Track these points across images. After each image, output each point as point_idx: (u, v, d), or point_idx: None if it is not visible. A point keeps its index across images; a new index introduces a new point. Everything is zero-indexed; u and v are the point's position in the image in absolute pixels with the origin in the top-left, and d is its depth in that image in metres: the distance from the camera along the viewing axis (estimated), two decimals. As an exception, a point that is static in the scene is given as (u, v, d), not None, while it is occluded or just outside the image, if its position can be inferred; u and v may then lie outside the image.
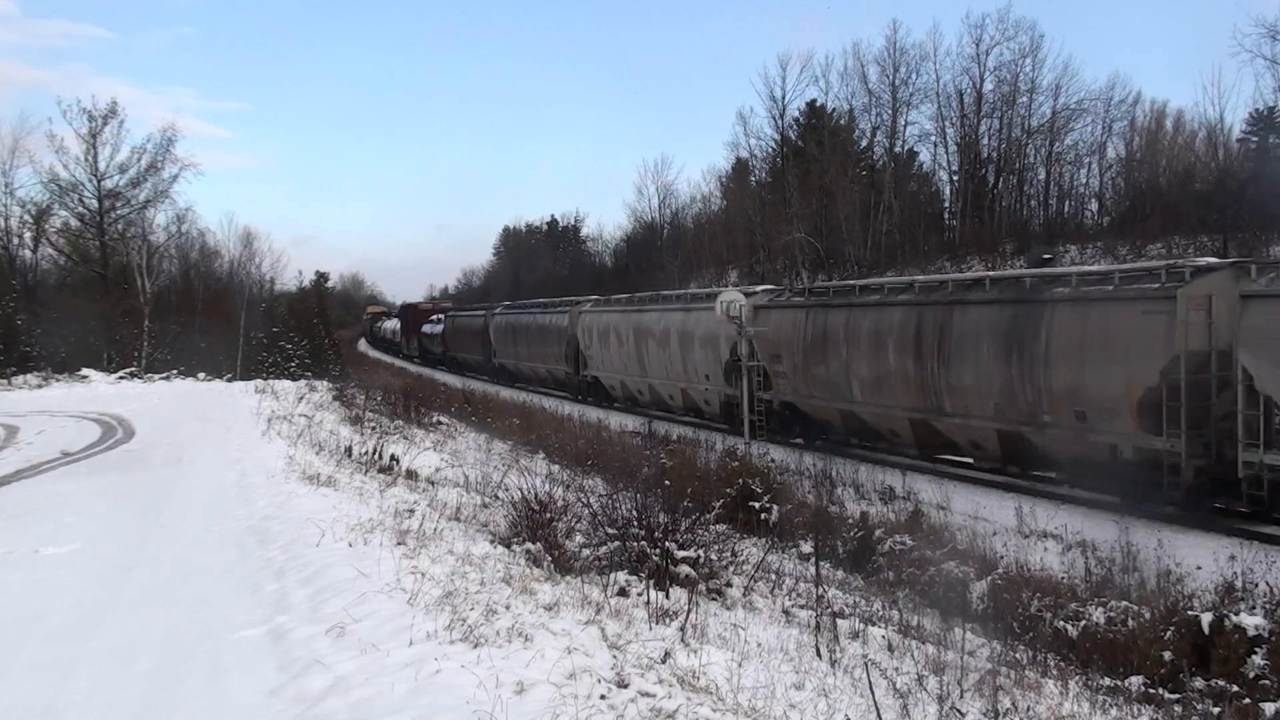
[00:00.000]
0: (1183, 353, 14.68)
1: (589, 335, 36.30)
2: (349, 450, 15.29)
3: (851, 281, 28.97)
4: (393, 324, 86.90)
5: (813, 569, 10.50)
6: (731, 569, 9.60)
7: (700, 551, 9.06)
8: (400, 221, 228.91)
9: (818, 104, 62.93)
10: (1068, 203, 56.21)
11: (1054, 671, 8.34)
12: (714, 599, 8.57)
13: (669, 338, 29.97)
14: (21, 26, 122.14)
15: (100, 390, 32.83)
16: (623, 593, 7.72)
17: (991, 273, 21.16)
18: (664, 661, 5.71)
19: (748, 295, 24.83)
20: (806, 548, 12.56)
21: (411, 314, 76.10)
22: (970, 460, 19.93)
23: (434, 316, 67.89)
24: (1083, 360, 16.32)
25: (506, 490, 11.99)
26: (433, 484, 13.35)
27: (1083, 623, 9.53)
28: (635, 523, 9.12)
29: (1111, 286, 16.37)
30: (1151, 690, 8.18)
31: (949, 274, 30.33)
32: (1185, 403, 14.66)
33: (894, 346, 20.58)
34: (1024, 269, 21.89)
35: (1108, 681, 8.32)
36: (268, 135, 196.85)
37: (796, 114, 64.30)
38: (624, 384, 34.18)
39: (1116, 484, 15.96)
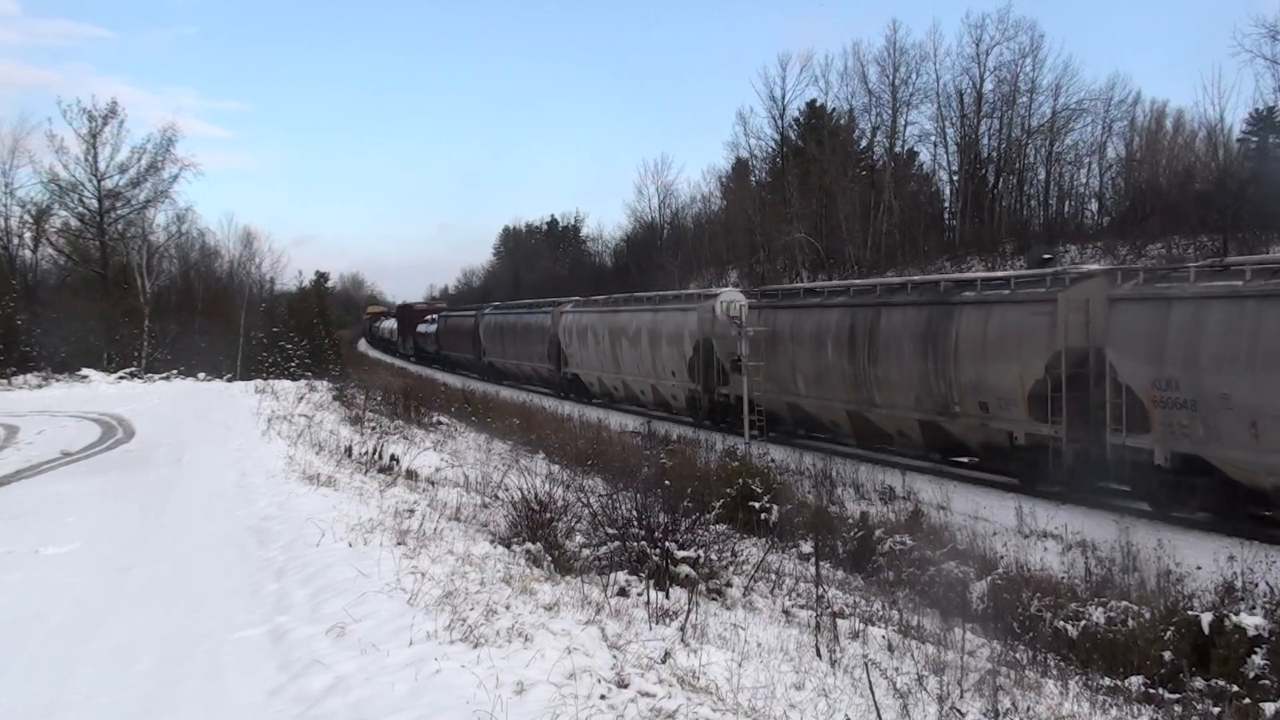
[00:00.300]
0: (1063, 349, 16.75)
1: (569, 334, 39.16)
2: (349, 450, 15.29)
3: (797, 285, 34.68)
4: (390, 324, 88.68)
5: (813, 569, 10.50)
6: (731, 569, 9.61)
7: (700, 551, 9.06)
8: (401, 221, 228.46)
9: (818, 104, 62.95)
10: (1068, 203, 56.22)
11: (1054, 671, 8.34)
12: (714, 599, 8.57)
13: (640, 337, 32.74)
14: (23, 26, 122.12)
15: (100, 390, 32.82)
16: (623, 593, 7.72)
17: (915, 278, 25.14)
18: (664, 661, 5.71)
19: (709, 298, 27.60)
20: (806, 548, 12.56)
21: (407, 314, 77.79)
22: (965, 459, 20.62)
23: (429, 316, 69.62)
24: (985, 357, 18.60)
25: (506, 490, 11.99)
26: (433, 484, 13.35)
27: (1083, 623, 9.53)
28: (635, 523, 9.13)
29: (1008, 290, 18.82)
30: (1151, 690, 8.18)
31: (878, 279, 33.88)
32: (1065, 393, 16.78)
33: (832, 345, 23.04)
34: (940, 276, 25.22)
35: (1108, 681, 8.33)
36: (269, 135, 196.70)
37: (796, 114, 64.36)
38: (600, 380, 36.99)
39: (1015, 466, 18.37)
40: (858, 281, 29.56)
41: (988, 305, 18.86)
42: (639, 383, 33.42)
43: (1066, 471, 16.86)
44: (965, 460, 20.61)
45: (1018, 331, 17.81)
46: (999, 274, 22.05)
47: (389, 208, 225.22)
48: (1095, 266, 20.92)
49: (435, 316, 67.46)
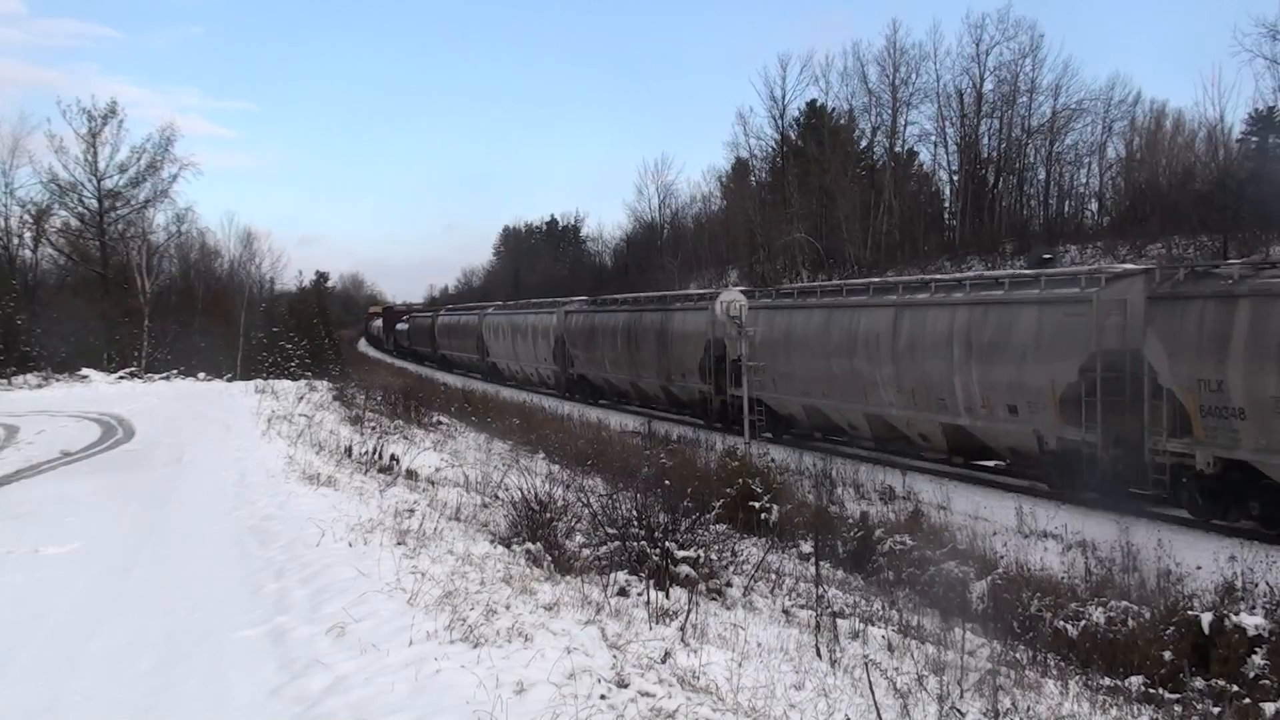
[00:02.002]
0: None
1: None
2: (349, 450, 15.29)
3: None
4: (379, 323, 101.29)
5: (813, 569, 10.50)
6: (731, 569, 9.61)
7: (700, 551, 9.05)
8: (407, 221, 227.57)
9: (818, 104, 62.95)
10: (1068, 203, 56.25)
11: (1054, 671, 8.35)
12: (714, 599, 8.57)
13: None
14: (29, 26, 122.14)
15: (100, 390, 32.81)
16: (623, 593, 7.72)
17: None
18: (664, 661, 5.71)
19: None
20: (806, 548, 12.56)
21: (389, 315, 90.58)
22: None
23: (405, 317, 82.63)
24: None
25: (506, 490, 11.98)
26: (433, 484, 13.35)
27: (1083, 623, 9.53)
28: (635, 523, 9.12)
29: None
30: (1151, 690, 8.18)
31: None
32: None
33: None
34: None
35: (1108, 681, 8.33)
36: (274, 135, 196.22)
37: (796, 114, 64.36)
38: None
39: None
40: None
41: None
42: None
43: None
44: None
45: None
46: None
47: (395, 208, 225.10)
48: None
49: (408, 317, 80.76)
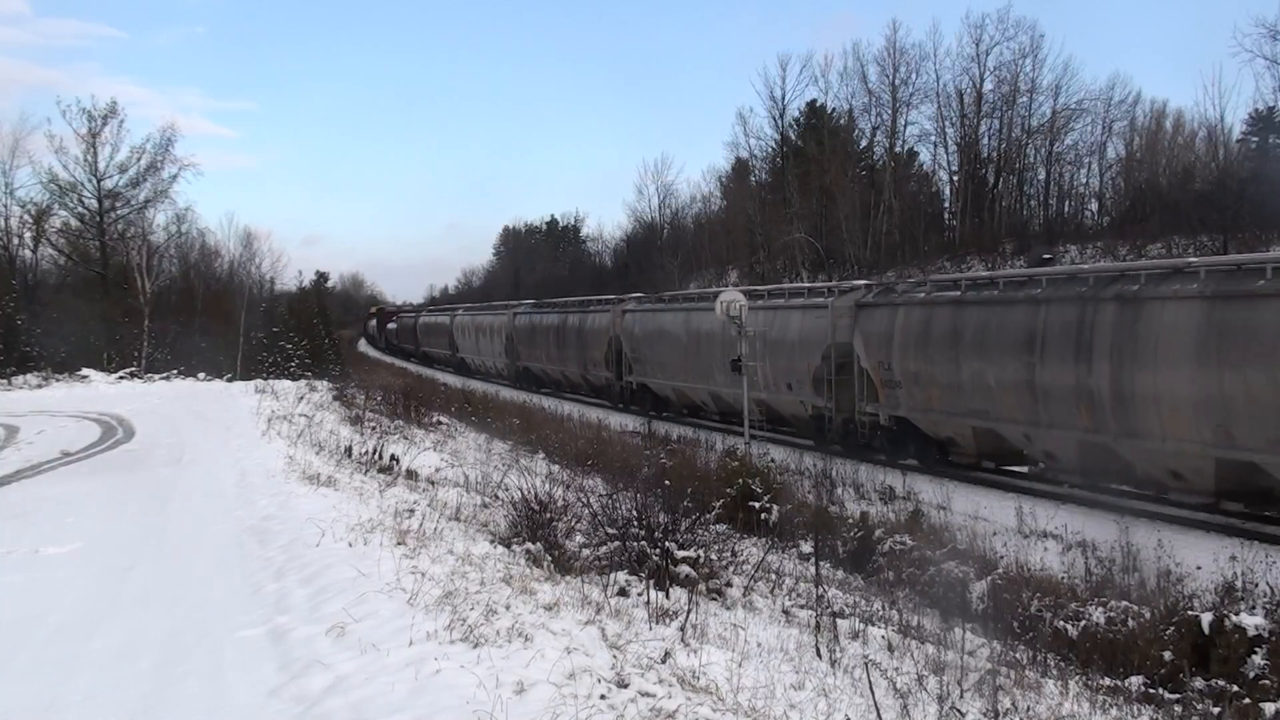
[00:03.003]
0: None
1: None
2: (349, 450, 15.29)
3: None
4: (374, 323, 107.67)
5: (813, 569, 10.51)
6: (731, 569, 9.61)
7: (700, 551, 9.06)
8: (410, 221, 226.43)
9: (818, 104, 63.03)
10: (1068, 203, 56.25)
11: (1054, 671, 8.34)
12: (714, 599, 8.57)
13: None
14: (33, 26, 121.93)
15: (100, 390, 32.82)
16: (623, 593, 7.72)
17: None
18: (664, 661, 5.71)
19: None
20: (806, 548, 12.56)
21: (382, 316, 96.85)
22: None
23: (394, 318, 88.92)
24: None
25: (506, 490, 11.98)
26: (433, 484, 13.35)
27: (1083, 623, 9.52)
28: (635, 523, 9.13)
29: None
30: (1151, 690, 8.18)
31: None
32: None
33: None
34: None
35: (1108, 681, 8.32)
36: (277, 135, 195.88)
37: (796, 114, 64.43)
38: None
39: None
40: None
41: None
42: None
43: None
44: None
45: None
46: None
47: (397, 208, 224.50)
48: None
49: (397, 318, 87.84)
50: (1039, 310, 17.23)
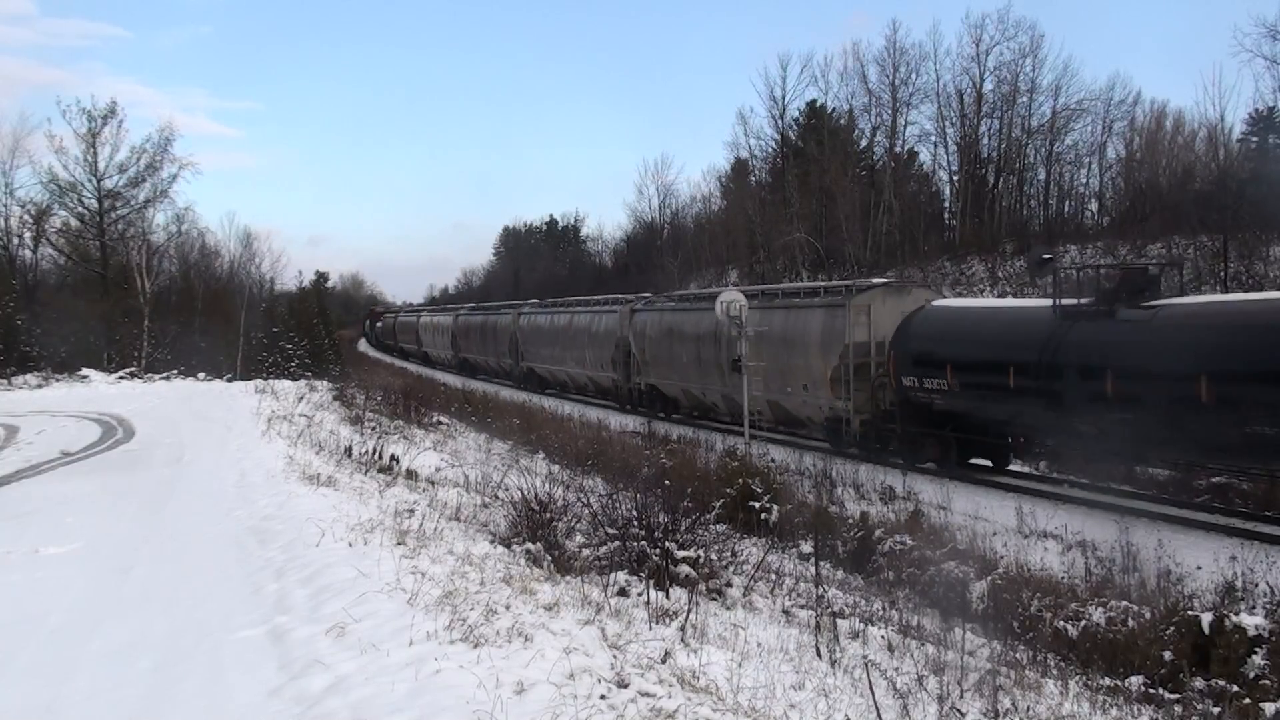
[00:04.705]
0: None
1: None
2: (349, 450, 15.29)
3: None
4: (368, 321, 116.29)
5: (813, 569, 10.50)
6: (731, 569, 9.60)
7: (700, 551, 9.05)
8: (414, 221, 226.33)
9: (818, 104, 62.94)
10: (1068, 203, 56.13)
11: (1054, 671, 8.34)
12: (714, 599, 8.56)
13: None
14: (39, 26, 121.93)
15: (100, 390, 32.82)
16: (623, 593, 7.72)
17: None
18: (664, 661, 5.71)
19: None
20: (806, 548, 12.56)
21: (373, 316, 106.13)
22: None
23: (384, 316, 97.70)
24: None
25: (506, 490, 11.98)
26: (433, 484, 13.35)
27: (1083, 623, 9.52)
28: (635, 523, 9.12)
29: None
30: (1151, 690, 8.18)
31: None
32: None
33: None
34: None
35: (1108, 681, 8.32)
36: (281, 135, 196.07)
37: (796, 114, 64.36)
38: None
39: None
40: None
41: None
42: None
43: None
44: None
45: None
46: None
47: (400, 208, 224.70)
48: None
49: (383, 318, 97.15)
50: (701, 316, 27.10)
